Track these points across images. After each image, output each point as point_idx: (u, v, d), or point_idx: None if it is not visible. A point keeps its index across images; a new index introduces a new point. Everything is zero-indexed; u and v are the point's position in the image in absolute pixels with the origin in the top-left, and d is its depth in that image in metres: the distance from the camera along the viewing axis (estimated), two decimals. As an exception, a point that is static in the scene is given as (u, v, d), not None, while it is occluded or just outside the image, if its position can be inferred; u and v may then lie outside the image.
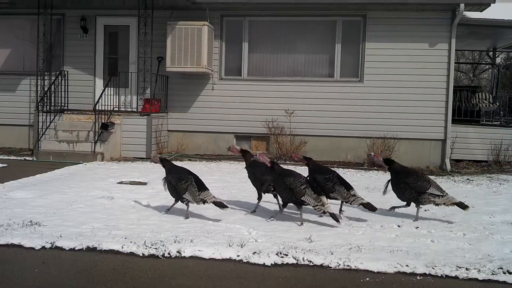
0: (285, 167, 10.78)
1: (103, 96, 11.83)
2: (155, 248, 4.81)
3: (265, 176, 6.36)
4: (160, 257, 4.70)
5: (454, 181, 10.02)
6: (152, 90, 12.46)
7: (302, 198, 5.86)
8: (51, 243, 4.89)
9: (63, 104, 12.83)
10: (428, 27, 12.17)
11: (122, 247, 4.83)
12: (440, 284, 4.30)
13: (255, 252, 4.76)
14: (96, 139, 11.40)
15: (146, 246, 4.86)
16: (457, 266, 4.62)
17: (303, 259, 4.70)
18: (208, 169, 10.28)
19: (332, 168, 10.32)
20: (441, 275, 4.47)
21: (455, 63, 13.78)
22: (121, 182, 8.32)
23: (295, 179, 5.96)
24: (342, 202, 6.50)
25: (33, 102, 13.47)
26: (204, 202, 6.09)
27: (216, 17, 12.83)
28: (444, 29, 12.11)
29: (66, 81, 12.90)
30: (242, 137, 13.14)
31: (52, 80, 12.70)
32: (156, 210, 6.54)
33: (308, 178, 6.32)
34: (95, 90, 13.46)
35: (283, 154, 12.13)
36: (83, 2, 12.62)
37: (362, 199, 6.31)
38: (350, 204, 6.39)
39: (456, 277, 4.44)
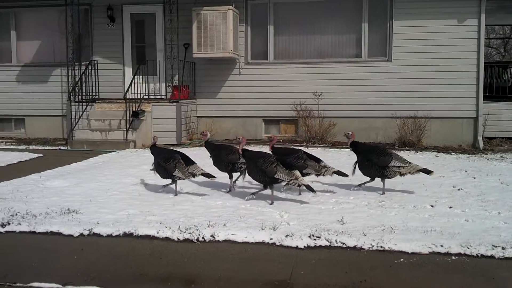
0: (315, 150, 10.87)
1: (132, 84, 11.95)
2: (190, 233, 4.90)
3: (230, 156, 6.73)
4: (195, 241, 4.78)
5: (488, 159, 9.85)
6: (180, 77, 12.54)
7: (275, 176, 6.04)
8: (88, 230, 5.03)
9: (94, 94, 13.02)
10: (456, 3, 11.88)
11: (158, 232, 4.93)
12: (475, 264, 4.27)
13: (287, 235, 4.80)
14: (128, 127, 11.57)
15: (180, 231, 4.96)
16: (492, 245, 4.56)
17: (336, 241, 4.72)
18: (238, 154, 10.31)
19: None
20: (476, 255, 4.43)
21: (485, 38, 13.40)
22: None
23: (265, 160, 6.15)
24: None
25: (64, 92, 13.72)
26: (194, 175, 6.55)
27: (241, 1, 12.79)
28: (473, 4, 11.82)
29: (96, 70, 13.06)
30: (271, 121, 13.15)
31: (83, 70, 12.89)
32: (190, 195, 6.63)
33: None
34: (124, 79, 13.62)
35: (312, 137, 12.10)
36: (110, -9, 12.76)
37: (333, 168, 6.74)
38: (324, 175, 6.73)
39: (492, 256, 4.40)
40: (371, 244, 4.67)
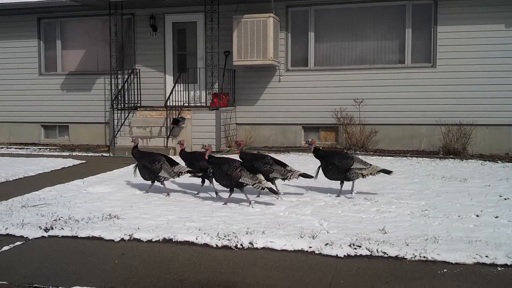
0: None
1: (173, 92, 12.11)
2: (228, 240, 4.88)
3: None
4: (233, 248, 4.76)
5: (538, 168, 9.46)
6: (220, 84, 12.62)
7: (240, 180, 6.32)
8: (129, 235, 5.08)
9: (136, 101, 13.26)
10: (503, 7, 11.52)
11: (197, 239, 4.93)
12: (525, 277, 4.08)
13: (327, 244, 4.72)
14: (168, 134, 11.72)
15: (219, 237, 4.94)
16: (542, 257, 4.35)
17: (377, 250, 4.60)
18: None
19: (405, 157, 10.10)
20: (524, 266, 4.23)
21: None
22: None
23: (230, 165, 6.42)
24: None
25: (107, 100, 14.04)
26: (179, 175, 7.08)
27: (281, 8, 12.79)
28: (521, 7, 11.45)
29: (138, 78, 13.31)
30: (310, 128, 13.06)
31: (126, 78, 13.16)
32: (230, 202, 6.61)
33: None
34: (165, 87, 13.82)
35: (353, 145, 11.93)
36: (152, 1, 12.95)
37: (298, 171, 7.01)
38: (290, 179, 6.97)
39: (541, 269, 4.19)
40: (413, 254, 4.53)
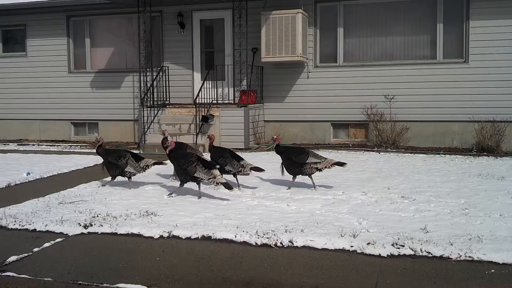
0: (387, 155, 10.56)
1: (202, 89, 12.10)
2: (267, 238, 4.83)
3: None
4: (273, 246, 4.71)
5: None
6: (248, 81, 12.57)
7: (194, 175, 6.53)
8: (168, 232, 5.07)
9: (164, 99, 13.29)
10: (539, 0, 11.24)
11: (235, 236, 4.90)
12: None
13: (369, 243, 4.63)
14: (197, 132, 11.73)
15: (258, 235, 4.90)
16: None
17: (421, 250, 4.50)
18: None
19: (438, 154, 9.93)
20: None
21: None
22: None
23: (186, 160, 6.63)
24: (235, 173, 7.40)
25: (136, 98, 14.12)
26: (145, 169, 7.36)
27: (310, 4, 12.67)
28: (559, -1, 11.13)
29: (167, 76, 13.34)
30: (339, 125, 12.93)
31: (154, 76, 13.20)
32: (264, 200, 6.57)
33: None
34: (193, 84, 13.84)
35: (384, 142, 11.77)
36: (180, -1, 13.00)
37: (251, 164, 7.37)
38: (243, 172, 7.33)
39: None
40: (458, 253, 4.42)
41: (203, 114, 11.88)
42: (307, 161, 7.06)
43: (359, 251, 4.55)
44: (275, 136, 7.67)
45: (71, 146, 13.29)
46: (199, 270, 4.18)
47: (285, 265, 4.27)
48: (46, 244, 4.85)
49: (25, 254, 4.57)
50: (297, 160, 7.10)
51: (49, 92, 14.89)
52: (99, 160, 10.07)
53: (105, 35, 14.67)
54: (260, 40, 12.44)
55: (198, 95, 11.92)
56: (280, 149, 7.41)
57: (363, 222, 5.42)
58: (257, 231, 4.98)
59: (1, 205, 6.34)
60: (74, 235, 5.15)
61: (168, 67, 13.49)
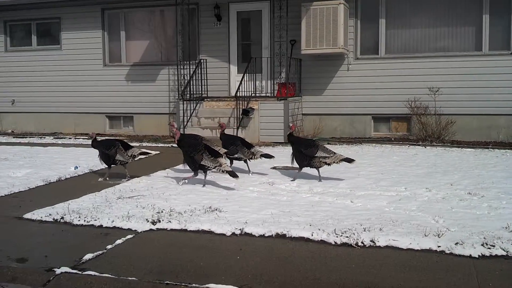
0: (434, 150, 10.28)
1: (240, 82, 11.89)
2: (347, 237, 4.63)
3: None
4: (354, 246, 4.51)
5: None
6: (286, 74, 12.36)
7: (201, 163, 6.76)
8: (240, 229, 4.90)
9: (201, 92, 13.13)
10: None
11: (312, 235, 4.71)
12: None
13: (457, 243, 4.41)
14: (238, 125, 11.55)
15: (336, 234, 4.70)
16: None
17: (513, 250, 4.27)
18: (354, 153, 9.95)
19: (486, 149, 9.61)
20: None
21: None
22: (274, 168, 8.29)
23: (194, 148, 6.85)
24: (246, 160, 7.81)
25: (172, 91, 14.01)
26: (134, 157, 7.56)
27: (351, -5, 12.39)
28: None
29: (205, 69, 13.17)
30: (380, 118, 12.67)
31: (194, 69, 13.03)
32: (325, 195, 6.38)
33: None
34: (229, 77, 13.68)
35: (429, 135, 11.48)
36: (218, -10, 12.81)
37: (261, 151, 7.81)
38: (253, 158, 7.70)
39: None
40: (554, 254, 4.18)
41: (242, 107, 11.69)
42: (316, 155, 7.10)
43: (447, 251, 4.33)
44: (290, 124, 7.62)
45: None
46: (286, 270, 4.00)
47: (373, 267, 4.07)
48: (118, 241, 4.71)
49: (100, 252, 4.43)
50: (306, 152, 7.14)
51: (83, 86, 14.83)
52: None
53: (140, 28, 14.55)
54: (298, 32, 12.21)
55: (238, 88, 11.71)
56: (291, 139, 7.46)
57: (439, 220, 5.18)
58: (334, 230, 4.78)
59: (58, 199, 6.24)
60: (143, 231, 5.01)
61: (206, 59, 13.29)
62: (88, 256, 4.33)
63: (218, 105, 12.65)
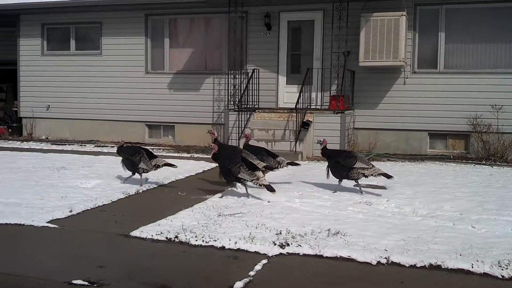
0: (503, 169, 9.84)
1: (299, 94, 11.44)
2: (512, 269, 4.17)
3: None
4: (526, 280, 4.05)
5: None
6: (339, 86, 11.93)
7: (238, 175, 6.69)
8: (385, 257, 4.43)
9: (249, 103, 12.65)
10: None
11: (472, 267, 4.24)
12: None
13: None
14: (296, 138, 11.10)
15: (500, 266, 4.23)
16: None
17: None
18: (425, 171, 9.50)
19: None
20: None
21: None
22: (357, 185, 7.80)
23: (230, 161, 6.76)
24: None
25: (216, 101, 13.60)
26: (157, 167, 7.53)
27: (409, 7, 12.00)
28: None
29: (258, 79, 12.71)
30: (436, 134, 12.25)
31: (241, 79, 12.61)
32: (438, 219, 5.90)
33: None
34: (277, 88, 13.27)
35: (491, 154, 11.05)
36: (270, -1, 12.43)
37: (285, 160, 7.90)
38: (280, 168, 7.83)
39: None
40: None
41: (303, 120, 11.25)
42: (354, 166, 7.07)
43: None
44: (321, 139, 7.70)
45: (153, 149, 12.67)
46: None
47: None
48: (257, 267, 4.23)
49: (246, 279, 3.95)
50: (344, 163, 7.10)
51: (123, 93, 14.39)
52: (203, 166, 9.63)
53: (185, 36, 14.15)
54: (353, 43, 11.89)
55: (298, 100, 11.26)
56: (327, 152, 7.49)
57: None
58: (499, 262, 4.30)
59: (154, 215, 5.77)
60: (274, 255, 4.54)
61: (258, 69, 12.80)
62: (239, 284, 3.84)
63: (270, 117, 12.20)
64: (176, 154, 11.67)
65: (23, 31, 15.29)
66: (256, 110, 12.42)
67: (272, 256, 4.53)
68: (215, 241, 4.83)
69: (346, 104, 12.09)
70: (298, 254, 4.58)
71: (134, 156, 7.48)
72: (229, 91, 12.60)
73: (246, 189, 6.90)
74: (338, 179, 7.30)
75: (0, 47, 17.22)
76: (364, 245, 4.76)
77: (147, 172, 7.54)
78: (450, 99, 11.90)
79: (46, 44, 15.28)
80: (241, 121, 12.02)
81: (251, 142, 9.69)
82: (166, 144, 13.96)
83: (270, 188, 6.60)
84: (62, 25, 15.04)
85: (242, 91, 12.25)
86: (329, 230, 5.26)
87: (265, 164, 7.50)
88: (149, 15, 14.19)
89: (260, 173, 6.73)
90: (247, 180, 6.67)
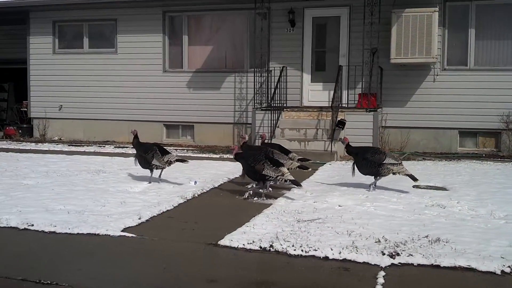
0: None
1: (334, 92, 11.15)
2: None
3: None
4: None
5: None
6: (368, 83, 11.68)
7: (263, 173, 6.51)
8: (509, 266, 4.14)
9: (276, 101, 12.30)
10: None
11: None
12: None
13: None
14: (332, 137, 10.80)
15: None
16: None
17: None
18: (473, 171, 9.24)
19: None
20: None
21: None
22: (417, 186, 7.54)
23: (254, 159, 6.62)
24: None
25: (237, 99, 13.27)
26: (170, 163, 7.50)
27: (439, 3, 11.78)
28: None
29: (286, 77, 12.38)
30: (466, 133, 12.07)
31: (265, 77, 12.29)
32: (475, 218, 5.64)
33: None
34: (302, 86, 12.97)
35: (526, 153, 10.90)
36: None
37: (298, 156, 7.87)
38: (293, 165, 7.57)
39: None
40: None
41: (339, 118, 10.98)
42: (384, 162, 6.92)
43: None
44: (342, 138, 7.73)
45: (176, 149, 12.29)
46: None
47: None
48: (380, 280, 3.91)
49: (381, 296, 3.64)
50: (374, 159, 6.95)
51: (140, 92, 13.96)
52: (237, 166, 9.19)
53: (204, 33, 13.76)
54: (381, 39, 11.59)
55: (333, 97, 10.97)
56: (351, 149, 7.33)
57: None
58: None
59: (228, 220, 5.43)
60: (387, 266, 4.22)
61: (285, 67, 12.47)
62: (375, 302, 3.53)
63: (298, 116, 11.90)
64: (203, 155, 11.30)
65: (33, 28, 14.74)
66: (284, 109, 12.09)
67: (385, 267, 4.21)
68: (315, 250, 4.49)
69: (373, 102, 11.83)
70: (412, 264, 4.26)
71: (147, 153, 7.45)
72: (255, 89, 12.24)
73: (267, 187, 6.77)
74: (373, 176, 7.11)
75: (4, 45, 16.64)
76: (474, 252, 4.46)
77: (160, 168, 7.53)
78: (481, 97, 11.73)
79: (57, 42, 14.77)
80: (270, 120, 11.68)
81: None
82: (185, 144, 13.59)
83: (296, 183, 6.58)
84: (75, 22, 14.54)
85: (273, 89, 11.88)
86: (427, 236, 4.95)
87: (298, 164, 7.63)
88: (167, 12, 13.77)
89: (285, 169, 6.61)
90: (272, 177, 6.52)
